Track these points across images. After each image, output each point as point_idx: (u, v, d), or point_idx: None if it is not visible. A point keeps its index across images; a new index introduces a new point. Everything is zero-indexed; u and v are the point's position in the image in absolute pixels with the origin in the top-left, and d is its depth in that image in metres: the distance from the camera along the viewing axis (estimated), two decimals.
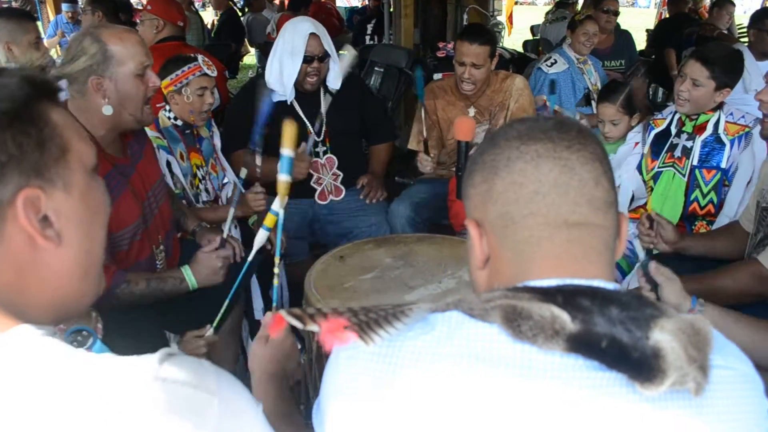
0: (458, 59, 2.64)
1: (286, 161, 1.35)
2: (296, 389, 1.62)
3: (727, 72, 2.19)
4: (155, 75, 1.71)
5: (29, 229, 0.65)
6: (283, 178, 1.36)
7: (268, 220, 1.49)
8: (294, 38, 2.48)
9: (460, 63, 2.64)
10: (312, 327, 0.66)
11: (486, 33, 2.71)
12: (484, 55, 2.61)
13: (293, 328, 0.94)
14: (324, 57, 2.52)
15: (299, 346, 1.21)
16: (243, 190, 2.38)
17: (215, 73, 2.30)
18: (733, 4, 5.24)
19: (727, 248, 1.94)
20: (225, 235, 1.94)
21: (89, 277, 0.74)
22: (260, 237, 1.53)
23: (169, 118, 2.27)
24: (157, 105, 2.29)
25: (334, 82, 2.61)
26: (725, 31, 4.89)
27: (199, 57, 2.28)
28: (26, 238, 0.66)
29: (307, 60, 2.48)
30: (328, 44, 2.54)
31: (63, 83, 2.46)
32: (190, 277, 1.77)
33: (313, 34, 2.48)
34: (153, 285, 1.70)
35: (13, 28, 2.62)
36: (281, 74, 2.52)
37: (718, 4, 5.18)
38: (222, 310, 1.65)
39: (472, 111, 2.76)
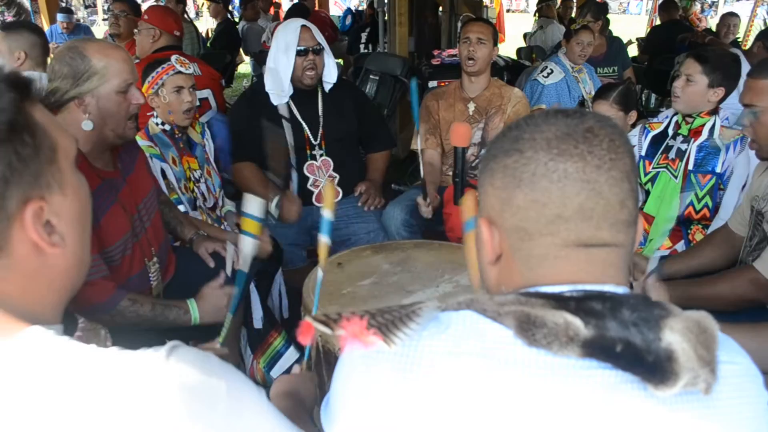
0: (464, 37, 2.75)
1: (326, 223, 1.35)
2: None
3: (719, 69, 2.20)
4: (139, 92, 1.66)
5: (38, 240, 0.65)
6: (324, 240, 1.35)
7: (251, 227, 1.48)
8: (286, 34, 2.52)
9: (465, 41, 2.73)
10: (340, 331, 0.66)
11: (487, 20, 2.85)
12: (487, 33, 2.72)
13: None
14: (318, 50, 2.55)
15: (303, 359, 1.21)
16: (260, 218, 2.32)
17: (191, 71, 2.28)
18: (738, 17, 5.31)
19: (710, 261, 1.93)
20: (229, 272, 1.92)
21: (85, 265, 0.75)
22: (247, 246, 1.50)
23: (157, 124, 2.27)
24: (147, 114, 2.29)
25: (330, 75, 2.65)
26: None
27: (173, 57, 2.25)
28: (32, 247, 0.66)
29: (302, 53, 2.51)
30: (321, 38, 2.58)
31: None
32: (195, 311, 1.75)
33: (304, 27, 2.53)
34: (158, 310, 1.69)
35: (35, 42, 2.75)
36: (278, 72, 2.54)
37: (722, 20, 5.28)
38: (226, 325, 1.63)
39: (472, 106, 2.81)
